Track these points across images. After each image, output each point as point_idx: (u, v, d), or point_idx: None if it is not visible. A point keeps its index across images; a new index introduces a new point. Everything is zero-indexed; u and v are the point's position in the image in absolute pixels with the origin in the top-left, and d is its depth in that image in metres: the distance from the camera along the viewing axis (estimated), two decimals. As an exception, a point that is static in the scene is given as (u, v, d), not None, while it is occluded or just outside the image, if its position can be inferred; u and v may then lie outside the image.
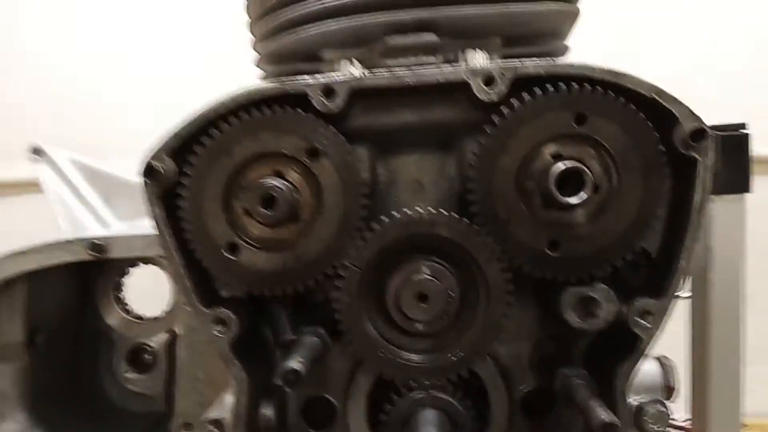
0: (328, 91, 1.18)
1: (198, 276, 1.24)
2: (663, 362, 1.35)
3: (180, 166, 1.13)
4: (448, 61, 1.22)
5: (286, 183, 1.12)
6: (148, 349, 2.06)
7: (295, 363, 1.02)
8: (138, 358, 2.07)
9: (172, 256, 1.28)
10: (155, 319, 1.83)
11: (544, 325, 1.38)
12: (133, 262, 1.73)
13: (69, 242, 1.50)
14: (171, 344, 1.73)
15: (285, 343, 1.34)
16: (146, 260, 1.67)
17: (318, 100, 1.17)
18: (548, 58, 1.20)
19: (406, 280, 1.13)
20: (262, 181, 1.12)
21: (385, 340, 1.15)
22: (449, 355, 1.14)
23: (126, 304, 2.11)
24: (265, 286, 1.23)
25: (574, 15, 1.32)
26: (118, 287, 2.12)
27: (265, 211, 1.11)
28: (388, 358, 1.14)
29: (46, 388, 1.88)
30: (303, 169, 1.13)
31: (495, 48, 1.24)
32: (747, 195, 1.55)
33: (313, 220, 1.14)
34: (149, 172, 1.19)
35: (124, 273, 2.11)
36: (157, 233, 1.26)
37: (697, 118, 1.15)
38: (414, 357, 1.14)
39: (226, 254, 1.16)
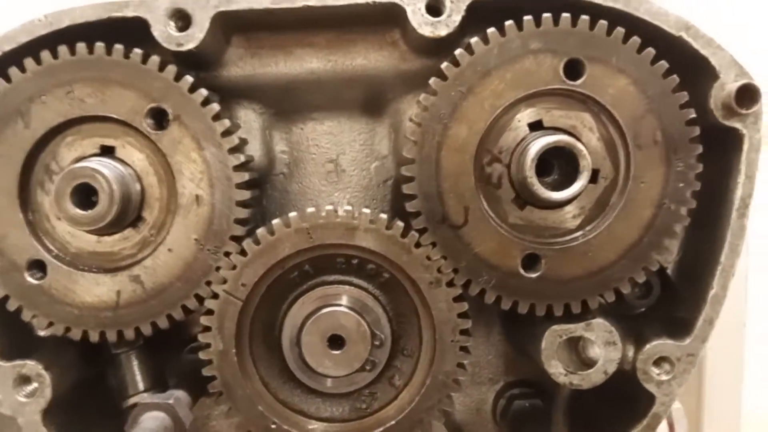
0: (179, 15, 0.81)
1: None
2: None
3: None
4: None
5: (116, 165, 0.80)
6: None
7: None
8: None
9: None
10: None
11: (515, 367, 1.06)
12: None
13: None
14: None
15: (127, 407, 0.92)
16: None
17: (162, 32, 0.81)
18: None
19: (310, 315, 0.83)
20: (76, 165, 0.79)
21: (281, 403, 0.87)
22: (377, 425, 0.86)
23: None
24: (90, 325, 0.87)
25: None
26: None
27: (79, 211, 0.78)
28: (285, 431, 0.86)
29: None
30: (144, 142, 0.82)
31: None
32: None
33: (164, 223, 0.83)
34: None
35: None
36: None
37: (745, 73, 0.85)
38: (323, 428, 0.86)
39: (27, 277, 0.83)
